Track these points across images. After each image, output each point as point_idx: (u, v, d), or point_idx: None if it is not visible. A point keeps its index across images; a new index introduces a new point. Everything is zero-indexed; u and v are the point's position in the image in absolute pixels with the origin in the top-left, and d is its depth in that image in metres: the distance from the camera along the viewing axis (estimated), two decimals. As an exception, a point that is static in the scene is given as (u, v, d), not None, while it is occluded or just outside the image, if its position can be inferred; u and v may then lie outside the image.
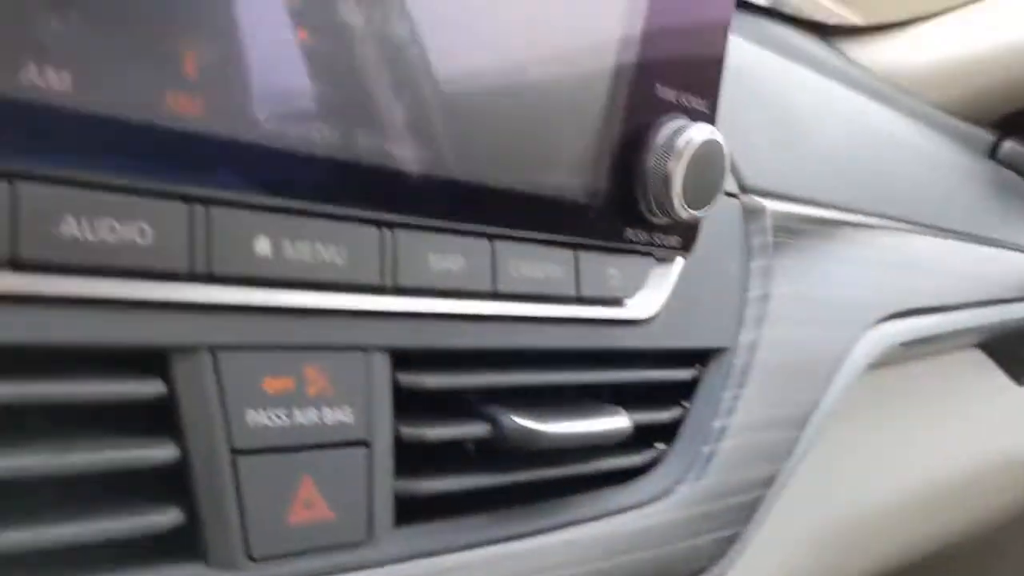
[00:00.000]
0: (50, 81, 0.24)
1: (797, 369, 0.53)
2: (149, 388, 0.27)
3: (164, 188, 0.27)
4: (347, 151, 0.31)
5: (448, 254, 0.35)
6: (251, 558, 0.29)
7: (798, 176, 0.60)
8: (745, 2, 1.20)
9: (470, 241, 0.36)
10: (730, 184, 0.53)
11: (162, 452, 0.27)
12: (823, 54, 1.18)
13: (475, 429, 0.36)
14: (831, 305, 0.57)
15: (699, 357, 0.49)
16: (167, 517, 0.27)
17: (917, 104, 1.10)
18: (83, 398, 0.26)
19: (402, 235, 0.33)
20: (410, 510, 0.35)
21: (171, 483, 0.28)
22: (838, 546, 0.72)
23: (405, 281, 0.33)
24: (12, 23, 0.23)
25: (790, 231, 0.55)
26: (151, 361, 0.28)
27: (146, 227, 0.27)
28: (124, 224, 0.26)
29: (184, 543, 0.28)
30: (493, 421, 0.37)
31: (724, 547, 0.47)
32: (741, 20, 1.18)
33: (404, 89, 0.33)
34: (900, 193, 0.71)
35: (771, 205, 0.54)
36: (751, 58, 0.68)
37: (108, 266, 0.26)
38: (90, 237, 0.26)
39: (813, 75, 0.83)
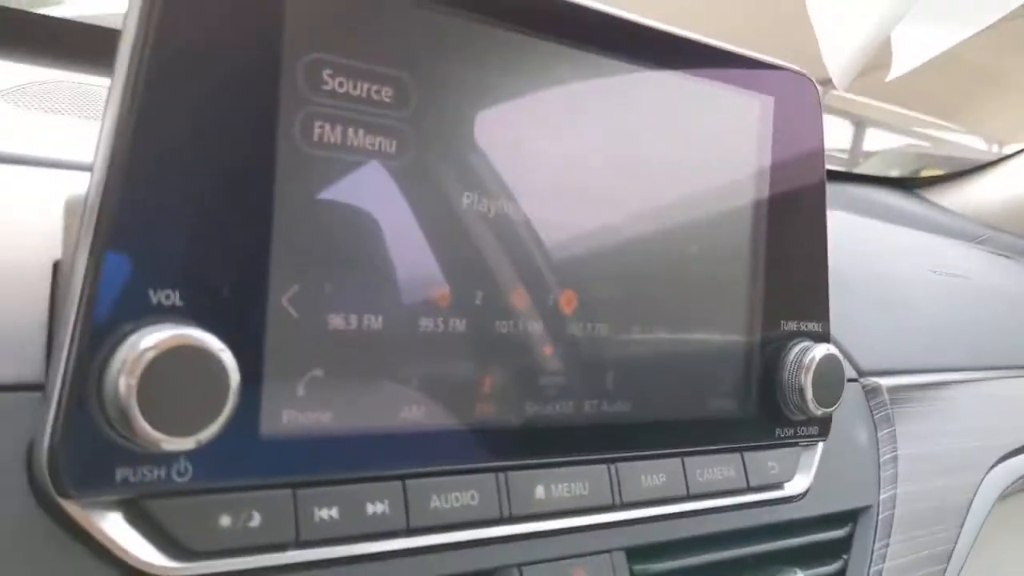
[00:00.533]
0: (419, 416, 0.41)
1: (933, 515, 0.65)
2: None
3: (480, 466, 0.43)
4: (581, 418, 0.46)
5: (653, 473, 0.49)
6: None
7: (905, 350, 0.73)
8: (835, 172, 1.35)
9: (666, 462, 0.50)
10: (850, 371, 0.67)
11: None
12: (910, 205, 1.31)
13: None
14: (952, 455, 0.68)
15: (849, 516, 0.61)
16: None
17: (1006, 238, 1.22)
18: None
19: (622, 466, 0.48)
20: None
21: None
22: None
23: (628, 498, 0.48)
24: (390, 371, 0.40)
25: (906, 400, 0.68)
26: (485, 577, 0.43)
27: (475, 493, 0.42)
28: (463, 492, 0.42)
29: None
30: (704, 593, 0.50)
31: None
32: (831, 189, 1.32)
33: (612, 371, 0.48)
34: (998, 340, 0.82)
35: (886, 382, 0.67)
36: (848, 231, 0.82)
37: (459, 522, 0.41)
38: (447, 506, 0.41)
39: (904, 231, 0.96)
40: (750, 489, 0.54)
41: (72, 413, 0.31)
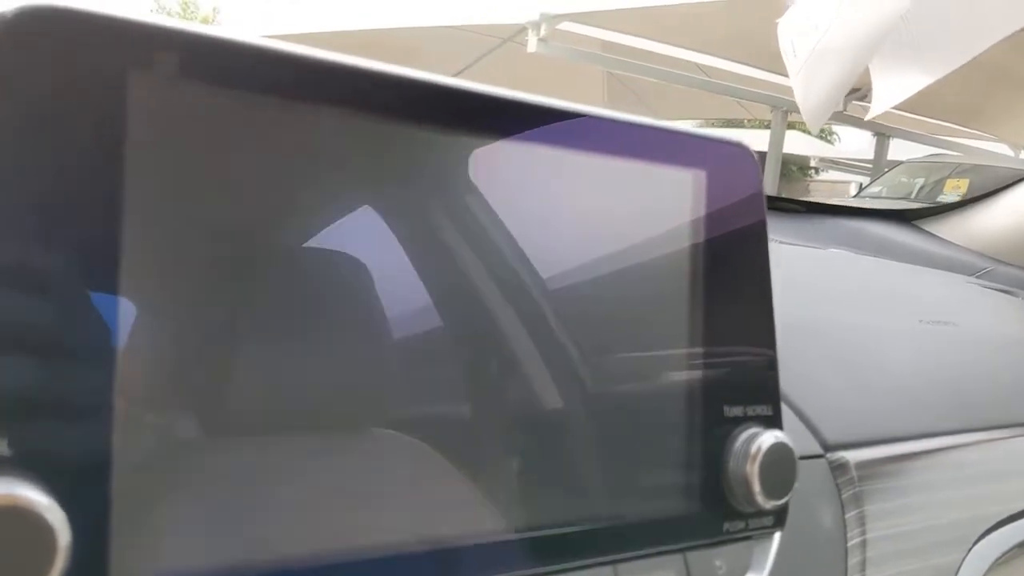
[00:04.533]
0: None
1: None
2: None
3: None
4: (497, 531, 0.43)
5: (579, 587, 0.46)
6: None
7: (879, 416, 0.68)
8: (830, 205, 1.31)
9: (595, 571, 0.46)
10: (813, 446, 0.63)
11: None
12: (907, 238, 1.26)
13: None
14: (929, 534, 0.64)
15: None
16: None
17: (1009, 271, 1.17)
18: None
19: (544, 584, 0.44)
20: None
21: None
22: None
23: (551, 619, 0.44)
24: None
25: (878, 475, 0.63)
26: None
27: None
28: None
29: None
30: None
31: None
32: (821, 222, 1.28)
33: (535, 470, 0.44)
34: (989, 395, 0.78)
35: (854, 456, 0.63)
36: (828, 279, 0.78)
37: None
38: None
39: (895, 268, 0.91)
40: (694, 595, 0.50)
41: None
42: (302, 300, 0.39)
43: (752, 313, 0.54)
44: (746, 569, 0.53)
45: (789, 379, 0.66)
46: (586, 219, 0.48)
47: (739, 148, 0.52)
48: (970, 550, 0.66)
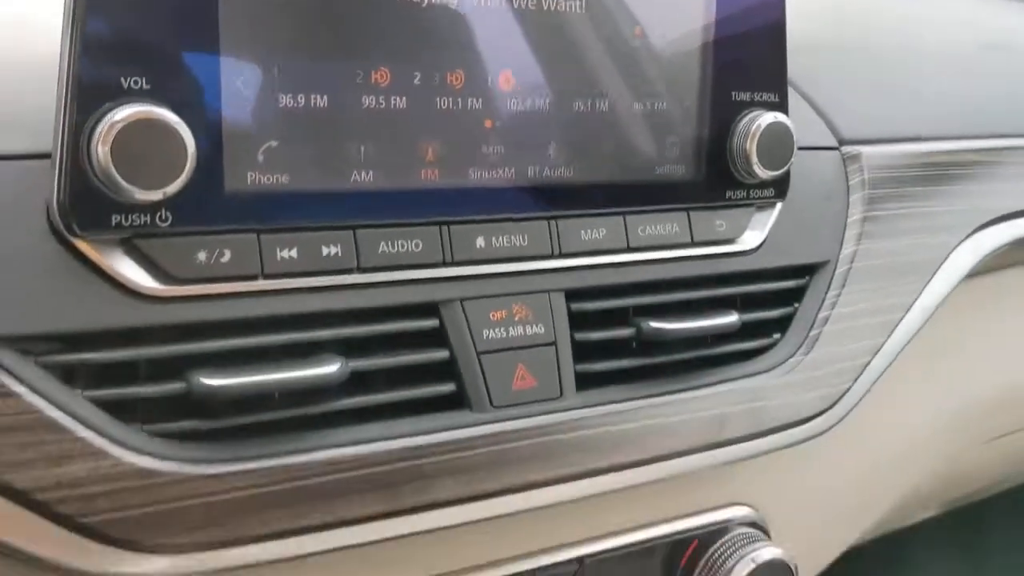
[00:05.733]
0: (368, 179, 0.50)
1: (897, 271, 0.70)
2: (431, 323, 0.53)
3: (426, 220, 0.52)
4: (524, 181, 0.55)
5: (593, 228, 0.58)
6: (493, 406, 0.54)
7: (899, 120, 0.75)
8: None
9: (607, 219, 0.58)
10: (829, 139, 0.71)
11: (441, 354, 0.53)
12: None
13: (623, 332, 0.59)
14: (930, 216, 0.72)
15: (805, 270, 0.68)
16: (448, 387, 0.53)
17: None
18: (403, 330, 0.52)
19: (563, 222, 0.57)
20: (591, 381, 0.58)
21: (444, 372, 0.54)
22: (957, 426, 0.86)
23: (567, 249, 0.57)
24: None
25: (887, 167, 0.72)
26: (429, 309, 0.53)
27: (419, 240, 0.52)
28: (408, 240, 0.52)
29: (454, 402, 0.54)
30: (637, 326, 0.59)
31: (829, 403, 0.66)
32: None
33: (554, 141, 0.56)
34: (1001, 104, 0.83)
35: (868, 150, 0.71)
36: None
37: (406, 264, 0.52)
38: (393, 251, 0.51)
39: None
40: (695, 244, 0.62)
41: (72, 173, 0.43)
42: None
43: (764, 9, 0.61)
44: (744, 229, 0.64)
45: (817, 79, 0.73)
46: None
47: None
48: (968, 236, 0.74)
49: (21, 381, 0.42)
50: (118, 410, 0.45)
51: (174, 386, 0.46)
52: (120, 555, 0.44)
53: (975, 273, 0.75)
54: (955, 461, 0.91)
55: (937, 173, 0.74)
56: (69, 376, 0.45)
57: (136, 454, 0.44)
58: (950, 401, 0.85)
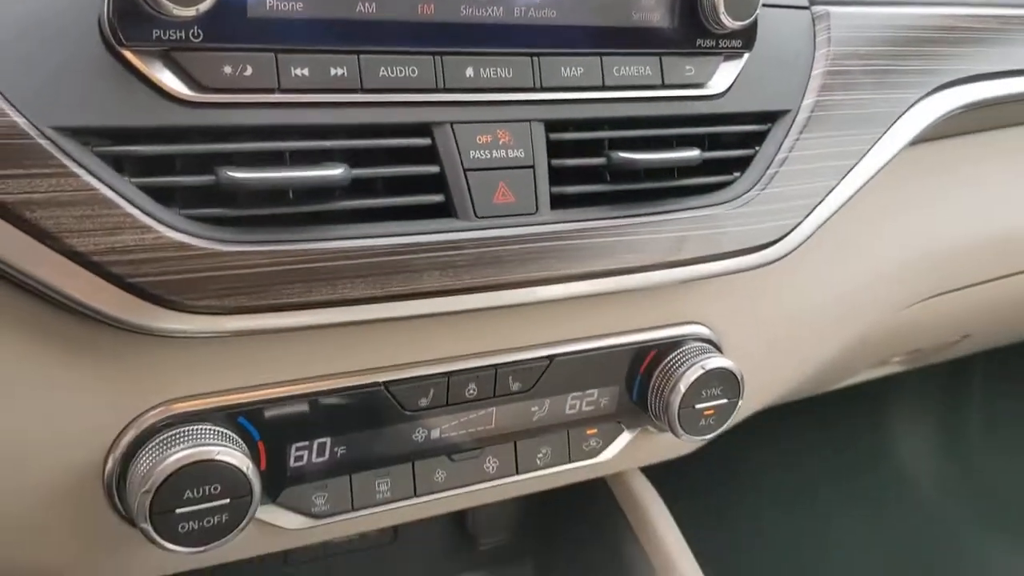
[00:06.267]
0: (372, 10, 0.58)
1: (854, 122, 0.77)
2: (424, 141, 0.61)
3: (421, 50, 0.60)
4: (511, 19, 0.62)
5: (572, 66, 0.65)
6: (477, 216, 0.62)
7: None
8: None
9: (585, 58, 0.66)
10: (800, -1, 0.77)
11: (432, 169, 0.62)
12: None
13: (595, 160, 0.67)
14: (891, 74, 0.79)
15: (767, 117, 0.75)
16: (437, 197, 0.62)
17: None
18: (400, 146, 0.61)
19: (544, 59, 0.64)
20: (565, 203, 0.67)
21: (435, 184, 0.62)
22: (899, 279, 0.95)
23: (547, 84, 0.65)
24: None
25: (857, 27, 0.78)
26: (423, 129, 0.61)
27: (415, 67, 0.60)
28: (406, 67, 0.60)
29: (443, 210, 0.62)
30: (607, 156, 0.67)
31: (780, 234, 0.74)
32: None
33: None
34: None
35: (837, 10, 0.77)
36: None
37: (403, 87, 0.60)
38: (392, 75, 0.59)
39: None
40: (665, 86, 0.69)
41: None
42: None
43: None
44: (712, 75, 0.71)
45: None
46: None
47: None
48: (927, 96, 0.81)
49: (80, 165, 0.51)
50: (160, 196, 0.54)
51: (205, 178, 0.55)
52: (162, 312, 0.54)
53: (926, 138, 0.82)
54: (897, 317, 1.00)
55: (902, 35, 0.81)
56: (119, 166, 0.54)
57: (175, 231, 0.53)
58: (892, 254, 0.93)
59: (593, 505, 0.96)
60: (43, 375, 0.57)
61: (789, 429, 1.69)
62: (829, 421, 1.73)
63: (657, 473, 0.96)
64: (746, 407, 0.86)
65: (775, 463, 1.76)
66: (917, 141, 0.83)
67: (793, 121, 0.75)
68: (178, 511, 0.57)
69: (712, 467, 1.61)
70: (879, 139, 0.79)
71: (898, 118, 0.80)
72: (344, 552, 0.94)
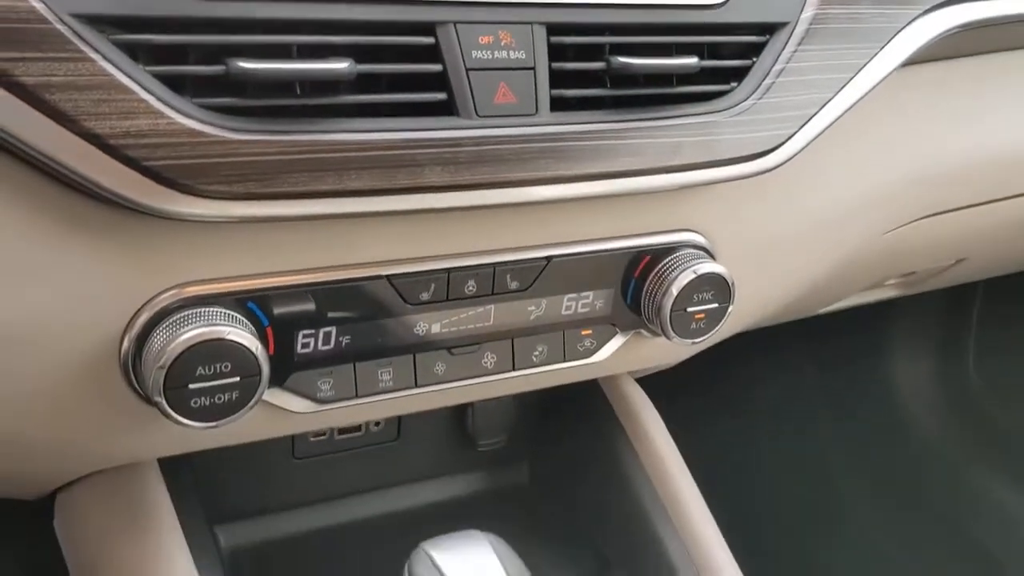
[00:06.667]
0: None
1: (852, 36, 0.79)
2: (427, 39, 0.63)
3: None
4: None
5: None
6: (478, 115, 0.65)
7: None
8: None
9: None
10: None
11: (435, 67, 0.64)
12: None
13: (594, 64, 0.69)
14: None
15: (767, 28, 0.76)
16: (440, 95, 0.64)
17: None
18: (404, 43, 0.63)
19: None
20: (565, 106, 0.69)
21: (438, 83, 0.64)
22: (891, 198, 0.97)
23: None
24: None
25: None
26: (427, 28, 0.63)
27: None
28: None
29: (445, 108, 0.64)
30: (607, 61, 0.69)
31: (775, 143, 0.76)
32: None
33: None
34: None
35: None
36: None
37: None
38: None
39: None
40: (665, -9, 0.71)
41: None
42: None
43: None
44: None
45: None
46: None
47: None
48: (926, 12, 0.82)
49: (97, 51, 0.54)
50: (173, 84, 0.57)
51: (216, 68, 0.57)
52: (176, 196, 0.56)
53: (924, 59, 0.83)
54: (889, 237, 1.02)
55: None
56: (134, 55, 0.56)
57: (187, 118, 0.56)
58: (884, 173, 0.95)
59: (588, 410, 1.00)
60: (64, 259, 0.60)
61: (787, 352, 1.73)
62: (829, 345, 1.76)
63: (653, 395, 1.00)
64: (738, 320, 0.89)
65: (770, 386, 1.80)
66: (915, 60, 0.84)
67: (792, 33, 0.77)
68: (191, 386, 0.61)
69: (709, 393, 1.66)
70: (876, 54, 0.80)
71: (896, 34, 0.81)
72: (349, 449, 0.98)
